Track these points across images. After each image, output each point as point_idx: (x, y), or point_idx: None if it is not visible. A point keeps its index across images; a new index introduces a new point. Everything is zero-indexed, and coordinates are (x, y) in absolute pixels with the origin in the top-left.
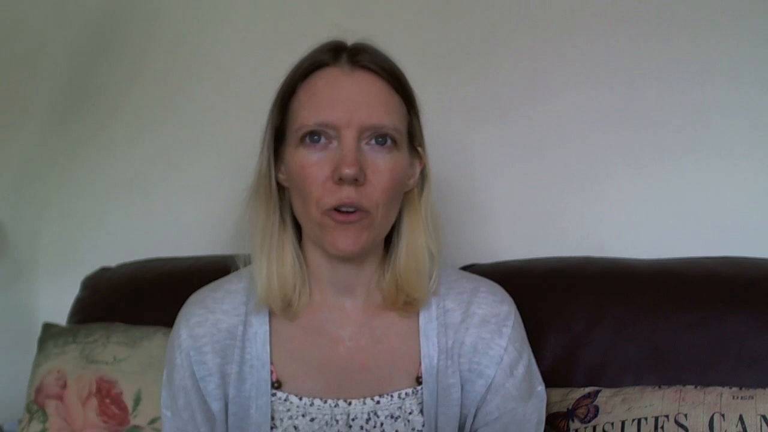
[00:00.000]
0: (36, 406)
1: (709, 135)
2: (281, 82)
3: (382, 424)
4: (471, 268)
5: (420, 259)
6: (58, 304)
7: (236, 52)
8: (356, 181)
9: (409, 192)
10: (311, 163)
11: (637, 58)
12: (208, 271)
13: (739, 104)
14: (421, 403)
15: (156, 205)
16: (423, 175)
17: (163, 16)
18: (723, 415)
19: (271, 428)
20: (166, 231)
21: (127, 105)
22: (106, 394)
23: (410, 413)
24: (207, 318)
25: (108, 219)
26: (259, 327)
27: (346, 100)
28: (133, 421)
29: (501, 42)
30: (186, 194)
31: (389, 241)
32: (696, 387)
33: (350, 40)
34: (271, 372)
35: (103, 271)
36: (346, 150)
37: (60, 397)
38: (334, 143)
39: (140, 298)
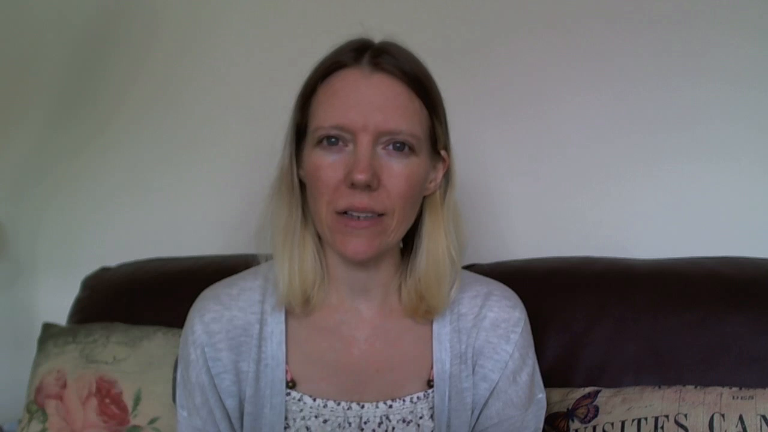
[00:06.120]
0: (36, 406)
1: (708, 136)
2: (304, 79)
3: (393, 429)
4: (471, 268)
5: (440, 264)
6: (58, 304)
7: (236, 53)
8: (369, 187)
9: (431, 195)
10: (326, 165)
11: (640, 64)
12: (208, 271)
13: (739, 106)
14: (431, 408)
15: (156, 205)
16: (447, 178)
17: (164, 17)
18: (723, 415)
19: (284, 428)
20: (166, 231)
21: (127, 105)
22: (105, 394)
23: (421, 418)
24: (222, 314)
25: (108, 219)
26: (275, 326)
27: (362, 104)
28: (133, 421)
29: (504, 42)
30: (186, 194)
31: (411, 244)
32: (696, 387)
33: (376, 38)
34: (286, 372)
35: (103, 271)
36: (360, 155)
37: (60, 397)
38: (350, 146)
39: (140, 298)
